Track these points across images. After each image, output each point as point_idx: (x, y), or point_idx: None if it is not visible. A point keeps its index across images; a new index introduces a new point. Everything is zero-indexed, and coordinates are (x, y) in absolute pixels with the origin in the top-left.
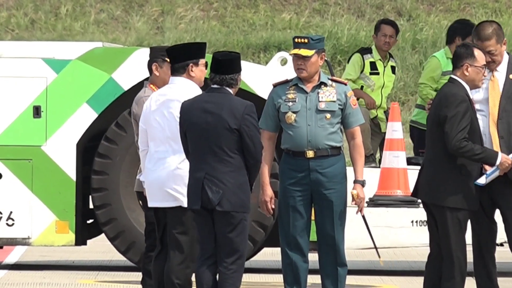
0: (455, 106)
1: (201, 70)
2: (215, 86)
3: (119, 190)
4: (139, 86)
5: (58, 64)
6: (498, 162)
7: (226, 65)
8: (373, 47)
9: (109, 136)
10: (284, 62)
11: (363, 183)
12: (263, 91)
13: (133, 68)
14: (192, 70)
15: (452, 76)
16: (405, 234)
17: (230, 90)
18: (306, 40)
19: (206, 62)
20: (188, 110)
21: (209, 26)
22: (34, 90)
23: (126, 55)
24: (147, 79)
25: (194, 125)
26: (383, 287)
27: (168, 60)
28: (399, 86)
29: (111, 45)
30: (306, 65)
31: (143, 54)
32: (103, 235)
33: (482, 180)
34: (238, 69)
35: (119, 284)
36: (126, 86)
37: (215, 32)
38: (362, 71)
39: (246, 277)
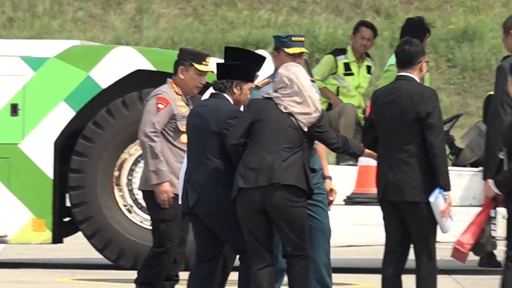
0: (433, 101)
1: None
2: (213, 91)
3: (96, 188)
4: (116, 84)
5: (36, 62)
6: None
7: (219, 71)
8: (349, 48)
9: (87, 134)
10: None
11: (330, 179)
12: None
13: (111, 66)
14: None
15: (406, 74)
16: (382, 232)
17: (227, 96)
18: (303, 39)
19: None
20: (189, 114)
21: (187, 24)
22: (11, 88)
23: (104, 53)
24: (127, 76)
25: (188, 127)
26: (361, 285)
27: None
28: (377, 85)
29: (89, 43)
30: (302, 64)
31: (121, 52)
32: (80, 233)
33: (431, 198)
34: (234, 76)
35: (96, 282)
36: (103, 84)
37: (193, 31)
38: (335, 73)
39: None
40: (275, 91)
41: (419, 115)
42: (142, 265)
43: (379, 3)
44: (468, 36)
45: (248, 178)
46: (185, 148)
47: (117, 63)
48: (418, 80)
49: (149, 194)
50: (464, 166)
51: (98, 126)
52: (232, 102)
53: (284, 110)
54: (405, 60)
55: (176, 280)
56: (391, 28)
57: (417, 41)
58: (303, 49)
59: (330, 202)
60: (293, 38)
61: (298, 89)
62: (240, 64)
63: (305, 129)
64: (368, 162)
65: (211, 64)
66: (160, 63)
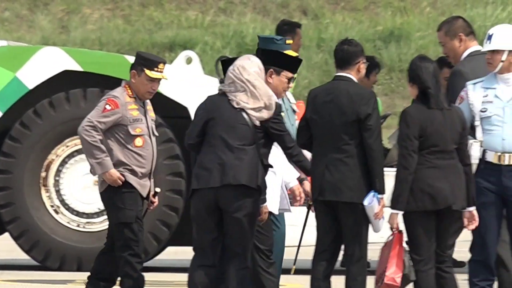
0: (373, 103)
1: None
2: None
3: (23, 189)
4: (43, 85)
5: None
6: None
7: (225, 67)
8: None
9: (14, 135)
10: (189, 60)
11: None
12: (167, 89)
13: (38, 67)
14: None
15: (344, 74)
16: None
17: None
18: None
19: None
20: None
21: (115, 25)
22: None
23: (31, 54)
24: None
25: None
26: (287, 286)
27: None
28: (304, 84)
29: (16, 44)
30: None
31: (48, 52)
32: (7, 233)
33: (366, 201)
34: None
35: (23, 283)
36: (30, 85)
37: (120, 31)
38: None
39: (151, 276)
40: (228, 83)
41: (359, 116)
42: (121, 279)
43: (306, 4)
44: (395, 37)
45: (202, 178)
46: (140, 151)
47: (44, 64)
48: (356, 80)
49: (107, 197)
50: (392, 166)
51: (25, 126)
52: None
53: (236, 106)
54: (343, 60)
55: (113, 283)
56: (318, 29)
57: (356, 41)
58: (296, 53)
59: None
60: (287, 41)
61: (246, 83)
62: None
63: (257, 123)
64: None
65: (167, 70)
66: (88, 64)
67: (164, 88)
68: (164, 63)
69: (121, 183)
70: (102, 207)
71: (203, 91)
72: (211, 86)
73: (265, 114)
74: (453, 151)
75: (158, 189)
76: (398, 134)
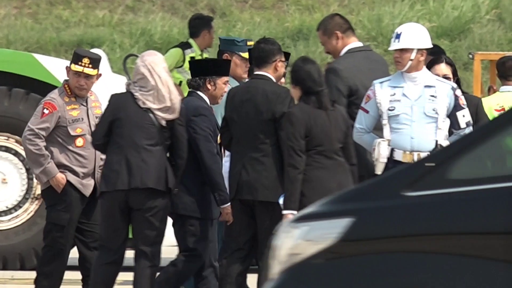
0: (289, 102)
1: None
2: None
3: None
4: None
5: None
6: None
7: (192, 68)
8: (192, 42)
9: None
10: None
11: None
12: None
13: None
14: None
15: (262, 72)
16: None
17: (201, 93)
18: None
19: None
20: None
21: (22, 23)
22: None
23: None
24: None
25: None
26: None
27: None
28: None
29: None
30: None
31: None
32: None
33: (281, 200)
34: (204, 73)
35: None
36: None
37: (28, 29)
38: (180, 66)
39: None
40: (134, 82)
41: (275, 115)
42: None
43: (214, 2)
44: (303, 35)
45: (110, 180)
46: (81, 151)
47: None
48: (274, 79)
49: (47, 196)
50: None
51: None
52: (207, 98)
53: (142, 106)
54: (260, 58)
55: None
56: (226, 27)
57: (273, 39)
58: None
59: None
60: (248, 43)
61: (154, 82)
62: (210, 59)
63: (163, 123)
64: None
65: (93, 65)
66: None
67: None
68: (91, 58)
69: (62, 187)
70: (11, 205)
71: (110, 89)
72: (119, 84)
73: (171, 115)
74: (339, 150)
75: None
76: (283, 135)
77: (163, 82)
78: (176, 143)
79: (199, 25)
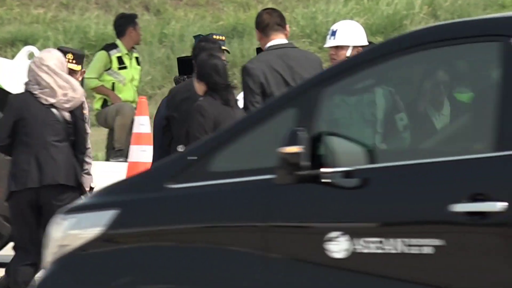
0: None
1: None
2: None
3: None
4: None
5: None
6: None
7: (179, 66)
8: (119, 42)
9: None
10: (31, 56)
11: None
12: (10, 85)
13: None
14: None
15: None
16: None
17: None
18: (224, 38)
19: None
20: None
21: None
22: None
23: None
24: None
25: None
26: None
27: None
28: (146, 80)
29: None
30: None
31: None
32: None
33: None
34: (190, 71)
35: None
36: None
37: None
38: (109, 68)
39: None
40: (30, 81)
41: None
42: None
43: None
44: (238, 32)
45: (20, 179)
46: None
47: None
48: None
49: None
50: None
51: None
52: None
53: (45, 103)
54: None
55: None
56: (160, 24)
57: (214, 38)
58: (225, 47)
59: None
60: (214, 37)
61: (46, 78)
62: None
63: (67, 116)
64: (138, 158)
65: (77, 61)
66: None
67: (5, 83)
68: (74, 54)
69: None
70: None
71: None
72: None
73: (70, 105)
74: None
75: (93, 185)
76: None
77: (54, 77)
78: (77, 138)
79: (123, 23)
